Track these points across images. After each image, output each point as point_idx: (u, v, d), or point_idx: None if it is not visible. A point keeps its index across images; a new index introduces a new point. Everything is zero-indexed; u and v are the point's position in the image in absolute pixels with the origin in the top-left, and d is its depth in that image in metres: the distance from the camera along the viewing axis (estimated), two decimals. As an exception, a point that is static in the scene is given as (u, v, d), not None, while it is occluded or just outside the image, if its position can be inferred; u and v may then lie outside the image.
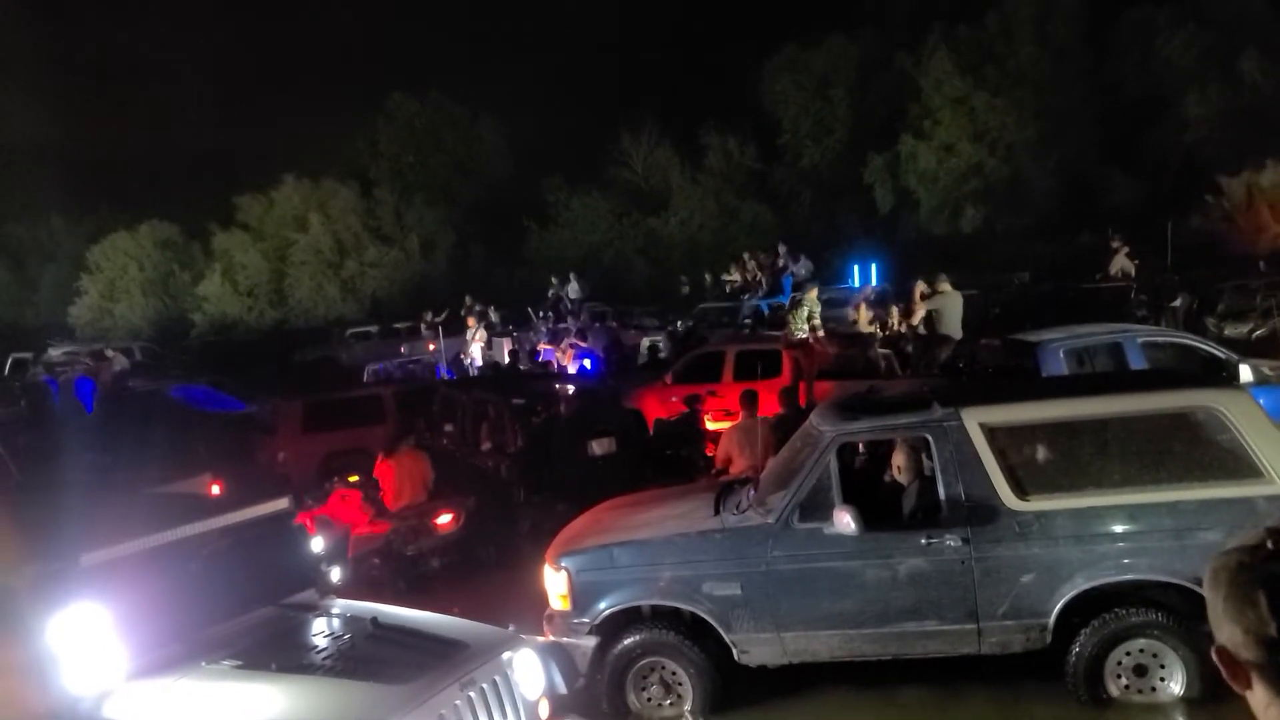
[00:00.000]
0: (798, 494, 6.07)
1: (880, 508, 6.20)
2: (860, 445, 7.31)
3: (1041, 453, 6.10)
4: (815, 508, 6.00)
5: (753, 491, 6.66)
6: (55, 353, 28.09)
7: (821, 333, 13.67)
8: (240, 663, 4.21)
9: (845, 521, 5.82)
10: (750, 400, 10.23)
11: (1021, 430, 6.09)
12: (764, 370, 13.89)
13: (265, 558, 5.00)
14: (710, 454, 10.93)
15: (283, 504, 5.23)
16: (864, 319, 15.93)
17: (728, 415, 12.52)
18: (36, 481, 8.05)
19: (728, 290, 27.14)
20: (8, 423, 14.36)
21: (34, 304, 38.65)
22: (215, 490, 9.20)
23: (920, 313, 13.63)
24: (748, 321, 23.00)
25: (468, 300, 29.15)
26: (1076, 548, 5.75)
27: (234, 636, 4.45)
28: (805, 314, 13.16)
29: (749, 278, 26.94)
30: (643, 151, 38.09)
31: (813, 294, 13.91)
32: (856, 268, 25.05)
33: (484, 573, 9.50)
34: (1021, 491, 5.84)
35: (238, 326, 35.95)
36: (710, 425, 12.69)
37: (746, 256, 27.55)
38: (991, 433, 5.94)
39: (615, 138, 37.67)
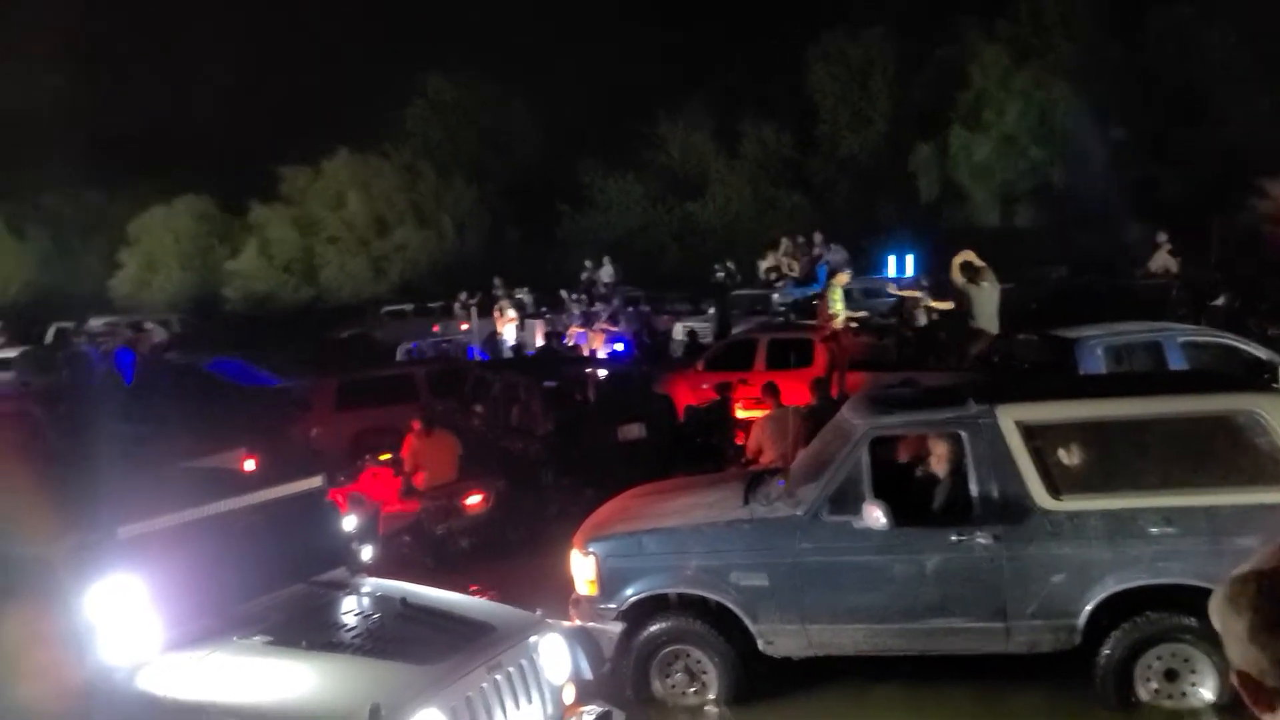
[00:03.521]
0: (828, 487, 6.06)
1: (910, 502, 6.16)
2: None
3: (1076, 452, 6.03)
4: (845, 501, 5.98)
5: (782, 482, 6.65)
6: (96, 323, 28.48)
7: (855, 322, 13.59)
8: (271, 639, 4.26)
9: (875, 516, 5.80)
10: (772, 391, 10.20)
11: (1057, 429, 6.03)
12: (796, 359, 13.84)
13: (298, 534, 5.05)
14: (740, 443, 10.92)
15: (316, 482, 5.28)
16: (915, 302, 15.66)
17: (758, 404, 12.49)
18: (74, 451, 8.17)
19: (763, 277, 27.02)
20: (49, 391, 14.57)
21: (76, 275, 39.16)
22: (250, 464, 9.31)
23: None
24: (783, 309, 22.92)
25: (496, 283, 29.26)
26: (1109, 549, 5.69)
27: (265, 612, 4.50)
28: (839, 297, 13.04)
29: (784, 266, 26.83)
30: (679, 136, 37.93)
31: (843, 279, 13.78)
32: (893, 258, 24.87)
33: (512, 554, 9.55)
34: (1055, 491, 5.79)
35: (272, 301, 36.27)
36: (740, 413, 12.66)
37: (785, 242, 27.40)
38: (1027, 430, 5.88)
39: (652, 122, 37.54)
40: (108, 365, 17.35)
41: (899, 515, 5.84)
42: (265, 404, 14.44)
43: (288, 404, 14.39)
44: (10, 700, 4.11)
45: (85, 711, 4.00)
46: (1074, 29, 29.19)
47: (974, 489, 5.88)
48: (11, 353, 23.06)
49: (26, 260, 41.31)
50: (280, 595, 4.69)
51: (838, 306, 12.93)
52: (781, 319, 21.75)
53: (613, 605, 6.23)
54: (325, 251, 36.72)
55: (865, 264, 24.49)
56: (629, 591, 6.22)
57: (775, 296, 24.12)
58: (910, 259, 25.42)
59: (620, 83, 36.90)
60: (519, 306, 26.91)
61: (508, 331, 22.96)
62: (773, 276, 28.11)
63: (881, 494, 5.93)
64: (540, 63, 37.90)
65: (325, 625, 4.51)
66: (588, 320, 22.84)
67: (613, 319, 22.66)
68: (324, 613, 4.66)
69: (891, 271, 25.84)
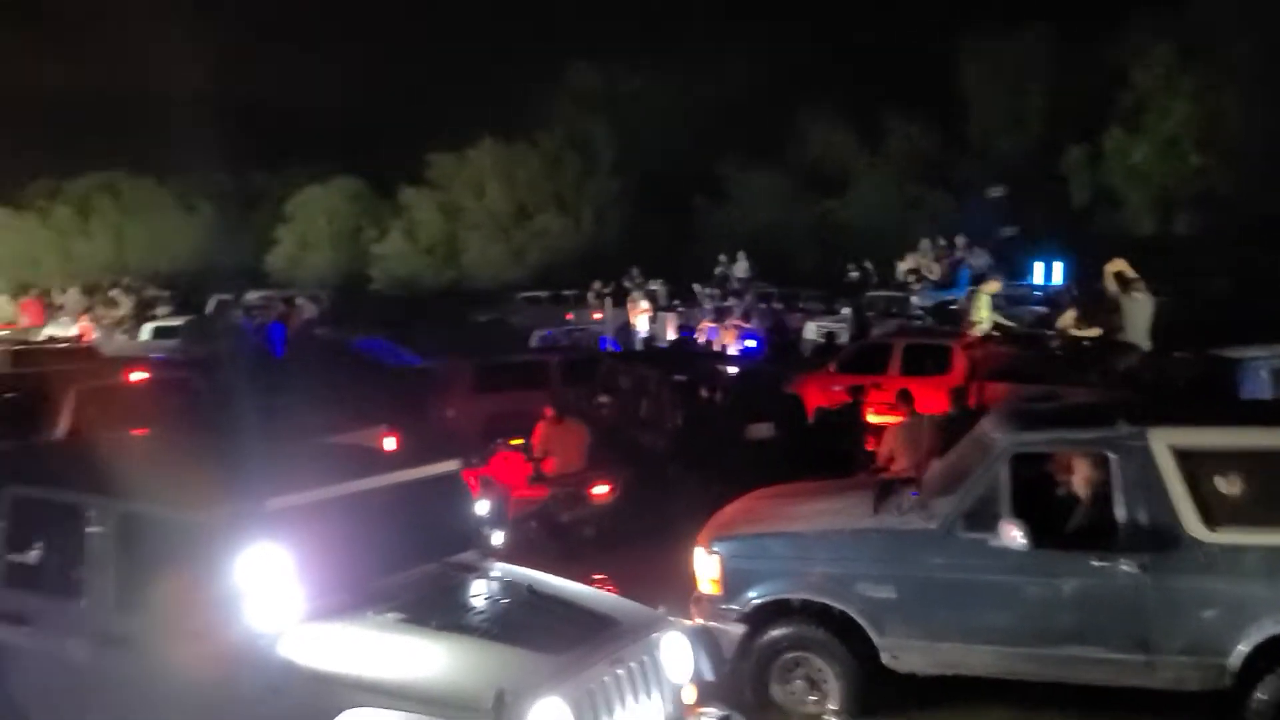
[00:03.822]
0: (964, 501, 5.88)
1: (1049, 522, 5.91)
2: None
3: (1236, 482, 5.67)
4: (981, 517, 5.79)
5: (915, 493, 6.49)
6: (253, 296, 30.02)
7: (998, 331, 13.16)
8: (404, 616, 4.40)
9: (1013, 535, 5.60)
10: (906, 399, 9.95)
11: (1215, 456, 5.69)
12: (932, 366, 13.49)
13: (432, 515, 5.19)
14: (871, 449, 10.71)
15: (453, 465, 5.42)
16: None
17: (891, 409, 12.22)
18: (228, 420, 8.61)
19: (901, 279, 26.43)
20: (208, 359, 15.41)
21: (237, 249, 41.29)
22: (390, 442, 9.63)
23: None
24: (920, 312, 22.37)
25: (633, 273, 29.47)
26: (1269, 588, 5.34)
27: (399, 590, 4.64)
28: (985, 305, 12.64)
29: (924, 268, 26.18)
30: (822, 131, 37.38)
31: (993, 287, 13.34)
32: (1040, 265, 23.94)
33: (634, 546, 9.59)
34: (1210, 521, 5.47)
35: (414, 283, 37.42)
36: (872, 418, 12.42)
37: (926, 244, 26.72)
38: (1181, 456, 5.57)
39: (794, 116, 37.10)
40: (260, 338, 18.27)
41: (1037, 535, 5.63)
42: (406, 383, 14.90)
43: (427, 385, 14.83)
44: (167, 656, 4.36)
45: (232, 673, 4.22)
46: (1250, 27, 27.38)
47: (1120, 513, 5.61)
48: (177, 321, 24.56)
49: (194, 233, 43.78)
50: (413, 574, 4.83)
51: (983, 314, 12.53)
52: (919, 322, 21.24)
53: (735, 606, 6.19)
54: (468, 236, 37.68)
55: (1011, 270, 23.61)
56: (752, 594, 6.18)
57: (914, 299, 23.53)
58: (1059, 266, 24.42)
59: (763, 75, 36.57)
60: (652, 298, 27.07)
61: (640, 323, 23.12)
62: (911, 279, 27.47)
63: (1019, 512, 5.73)
64: (686, 53, 37.91)
65: (455, 607, 4.63)
66: (720, 316, 22.79)
67: (745, 315, 22.54)
68: (454, 594, 4.78)
69: (1038, 278, 24.90)
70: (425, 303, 32.89)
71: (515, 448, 10.52)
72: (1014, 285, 20.96)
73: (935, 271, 27.03)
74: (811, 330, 22.35)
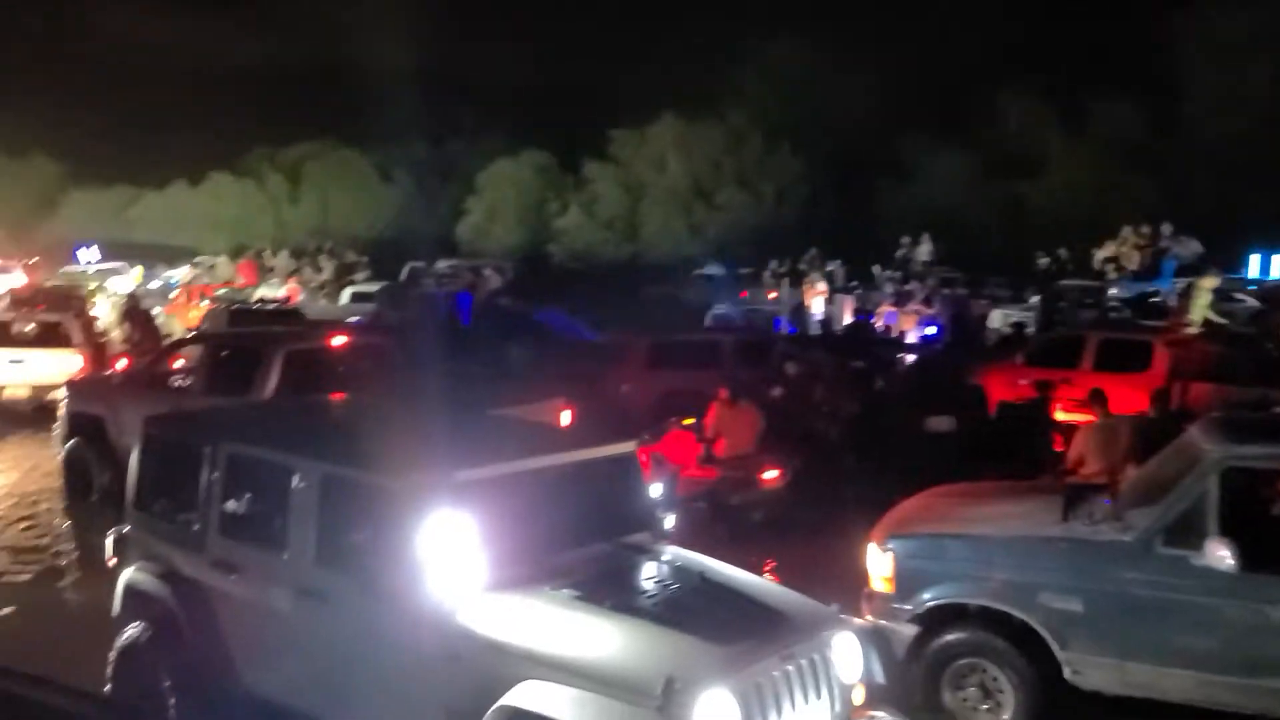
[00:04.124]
0: (1165, 515, 5.51)
1: (1260, 543, 5.47)
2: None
3: None
4: (1184, 534, 5.42)
5: (1108, 501, 6.14)
6: (443, 265, 31.25)
7: (1207, 328, 12.27)
8: (579, 594, 4.48)
9: (1220, 556, 5.21)
10: (1098, 399, 9.38)
11: None
12: (1129, 363, 12.69)
13: (609, 494, 5.27)
14: (1059, 449, 10.19)
15: (632, 445, 5.48)
16: None
17: (1081, 407, 11.60)
18: (420, 387, 8.98)
19: (1098, 268, 25.01)
20: (401, 325, 16.17)
21: (430, 218, 43.15)
22: (566, 416, 9.86)
23: None
24: (1117, 304, 21.10)
25: (812, 253, 29.00)
26: None
27: (575, 567, 4.73)
28: (1204, 304, 11.78)
29: (1123, 258, 24.69)
30: (1018, 110, 35.67)
31: (1212, 282, 12.43)
32: (1257, 257, 22.15)
33: (802, 534, 9.50)
34: None
35: (592, 257, 38.12)
36: (1060, 416, 11.81)
37: (1127, 231, 25.17)
38: None
39: (987, 93, 35.50)
40: (449, 306, 19.03)
41: (1247, 557, 5.22)
42: (583, 357, 15.19)
43: (603, 359, 15.07)
44: (357, 614, 4.62)
45: (415, 637, 4.41)
46: None
47: (1344, 541, 5.13)
48: (374, 287, 25.87)
49: (391, 202, 46.01)
50: (589, 552, 4.91)
51: (1201, 311, 11.68)
52: (1115, 315, 20.04)
53: (908, 607, 6.03)
54: (649, 211, 38.04)
55: (1222, 262, 21.95)
56: (926, 595, 6.00)
57: (1112, 291, 22.21)
58: (1277, 259, 22.55)
59: (954, 52, 35.15)
60: (829, 279, 26.59)
61: (816, 305, 22.76)
62: (1109, 268, 25.97)
63: (1226, 530, 5.32)
64: (874, 29, 36.87)
65: (628, 588, 4.68)
66: (900, 300, 22.18)
67: (926, 301, 21.85)
68: (627, 575, 4.84)
69: (1254, 271, 23.07)
70: (601, 277, 33.42)
71: (687, 427, 10.55)
72: (1226, 278, 19.48)
73: (1135, 261, 25.44)
74: (997, 319, 21.47)
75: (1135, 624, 5.51)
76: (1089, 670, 5.65)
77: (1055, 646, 5.68)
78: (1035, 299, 22.40)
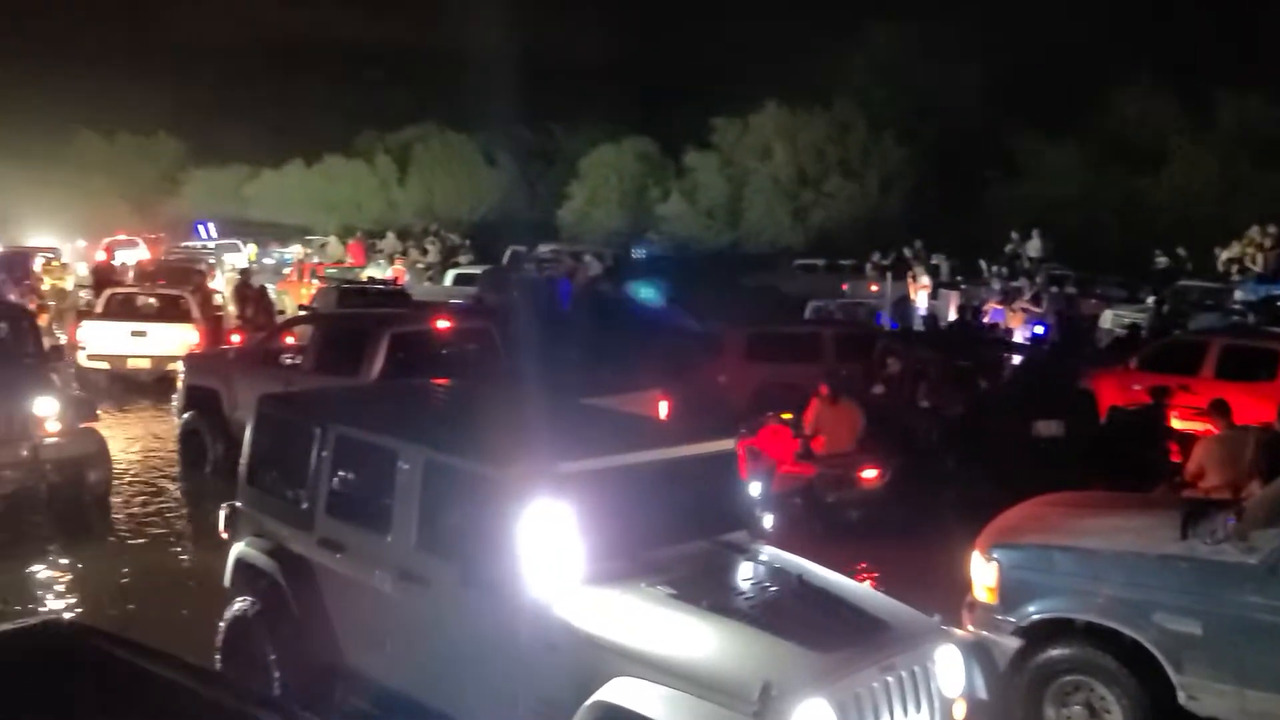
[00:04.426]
0: (1294, 539, 5.21)
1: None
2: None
3: None
4: (1315, 559, 5.12)
5: (1232, 520, 5.84)
6: (544, 250, 31.55)
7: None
8: (675, 592, 4.45)
9: (1354, 585, 4.91)
10: (1220, 410, 8.92)
11: None
12: (1253, 371, 12.10)
13: (707, 491, 5.22)
14: (1175, 460, 9.77)
15: (730, 443, 5.43)
16: None
17: (1200, 416, 11.09)
18: (523, 375, 9.07)
19: (1221, 269, 23.90)
20: (501, 309, 16.36)
21: (532, 202, 43.59)
22: (664, 406, 9.85)
23: None
24: (1241, 308, 20.12)
25: (916, 245, 28.37)
26: None
27: (671, 563, 4.70)
28: None
29: (1249, 258, 23.54)
30: (1137, 102, 34.22)
31: None
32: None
33: (899, 537, 9.32)
34: None
35: (692, 245, 37.99)
36: (1176, 424, 11.33)
37: (1255, 231, 23.98)
38: None
39: (1104, 83, 34.12)
40: (549, 291, 19.21)
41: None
42: (681, 346, 15.16)
43: (701, 349, 15.02)
44: (457, 600, 4.68)
45: (513, 626, 4.45)
46: None
47: None
48: (477, 269, 26.27)
49: (494, 185, 46.64)
50: (686, 549, 4.88)
51: None
52: (1238, 319, 19.12)
53: (1011, 619, 5.85)
54: (752, 198, 37.72)
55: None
56: (1031, 608, 5.81)
57: (1237, 294, 21.18)
58: None
59: (1070, 40, 33.89)
60: (933, 273, 26.01)
61: (919, 299, 22.29)
62: (1233, 269, 24.80)
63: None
64: (986, 17, 35.79)
65: (724, 588, 4.64)
66: (1008, 297, 21.55)
67: (1035, 299, 21.18)
68: (724, 574, 4.79)
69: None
70: (701, 265, 33.31)
71: (785, 421, 10.43)
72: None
73: (1261, 262, 24.23)
74: (1108, 319, 20.69)
75: (1258, 650, 5.23)
76: (1206, 696, 5.40)
77: (1170, 669, 5.43)
78: (1151, 299, 21.52)
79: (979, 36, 35.84)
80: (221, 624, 5.74)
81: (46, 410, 9.18)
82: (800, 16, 40.62)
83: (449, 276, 26.68)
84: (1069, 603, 5.77)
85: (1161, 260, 26.57)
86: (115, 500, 10.08)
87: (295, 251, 35.40)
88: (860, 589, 4.93)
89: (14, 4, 48.57)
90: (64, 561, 8.55)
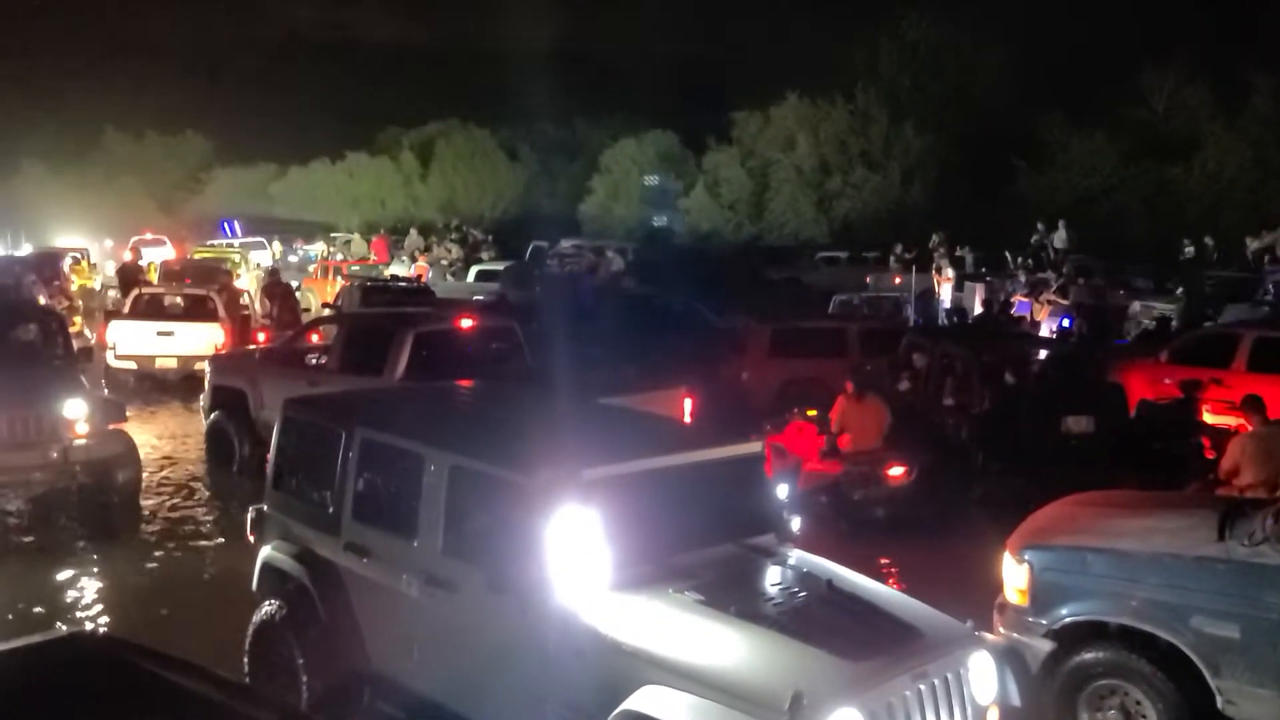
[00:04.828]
0: (1336, 541, 5.10)
1: None
2: None
3: None
4: (1359, 562, 5.01)
5: (1270, 521, 5.73)
6: (566, 245, 31.49)
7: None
8: (703, 598, 4.40)
9: (1398, 589, 4.80)
10: (1254, 406, 8.77)
11: None
12: (1288, 364, 11.89)
13: (734, 494, 5.18)
14: (1209, 456, 9.61)
15: (758, 446, 5.38)
16: None
17: (1232, 409, 10.93)
18: (548, 376, 9.03)
19: (1251, 259, 23.52)
20: (523, 306, 16.33)
21: (553, 197, 43.60)
22: (688, 404, 9.80)
23: None
24: (1271, 298, 19.79)
25: (936, 238, 28.10)
26: None
27: (698, 568, 4.66)
28: None
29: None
30: (1167, 89, 33.75)
31: None
32: None
33: (927, 535, 9.24)
34: None
35: (714, 239, 37.87)
36: (1209, 419, 11.15)
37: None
38: None
39: (1133, 71, 33.66)
40: (572, 286, 19.17)
41: None
42: (704, 342, 15.09)
43: (724, 345, 14.94)
44: (484, 606, 4.66)
45: (540, 633, 4.42)
46: None
47: None
48: (499, 265, 26.25)
49: (516, 180, 46.72)
50: (712, 553, 4.83)
51: None
52: (1268, 310, 18.81)
53: (1043, 621, 5.77)
54: (775, 190, 37.55)
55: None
56: (1064, 611, 5.72)
57: (1269, 284, 20.82)
58: None
59: (1099, 29, 33.47)
60: (958, 265, 25.75)
61: (944, 292, 22.09)
62: (1264, 259, 24.39)
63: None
64: (1013, 6, 35.44)
65: (752, 593, 4.59)
66: (1034, 289, 21.29)
67: (1062, 290, 20.91)
68: (751, 579, 4.74)
69: None
70: (722, 259, 33.16)
71: (810, 418, 10.36)
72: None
73: (1290, 251, 23.84)
74: (1137, 311, 20.40)
75: (1298, 655, 5.13)
76: (1245, 701, 5.30)
77: (1208, 673, 5.34)
78: (1179, 291, 21.21)
79: (1005, 25, 35.49)
80: (249, 627, 5.75)
81: (76, 412, 9.25)
82: (823, 7, 40.41)
83: (472, 273, 26.69)
84: (1103, 605, 5.69)
85: (1189, 250, 26.20)
86: (144, 501, 10.15)
87: (319, 249, 35.57)
88: (891, 594, 4.87)
89: (44, 5, 49.11)
90: (92, 564, 8.61)
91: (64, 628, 7.07)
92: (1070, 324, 18.25)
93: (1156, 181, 31.54)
